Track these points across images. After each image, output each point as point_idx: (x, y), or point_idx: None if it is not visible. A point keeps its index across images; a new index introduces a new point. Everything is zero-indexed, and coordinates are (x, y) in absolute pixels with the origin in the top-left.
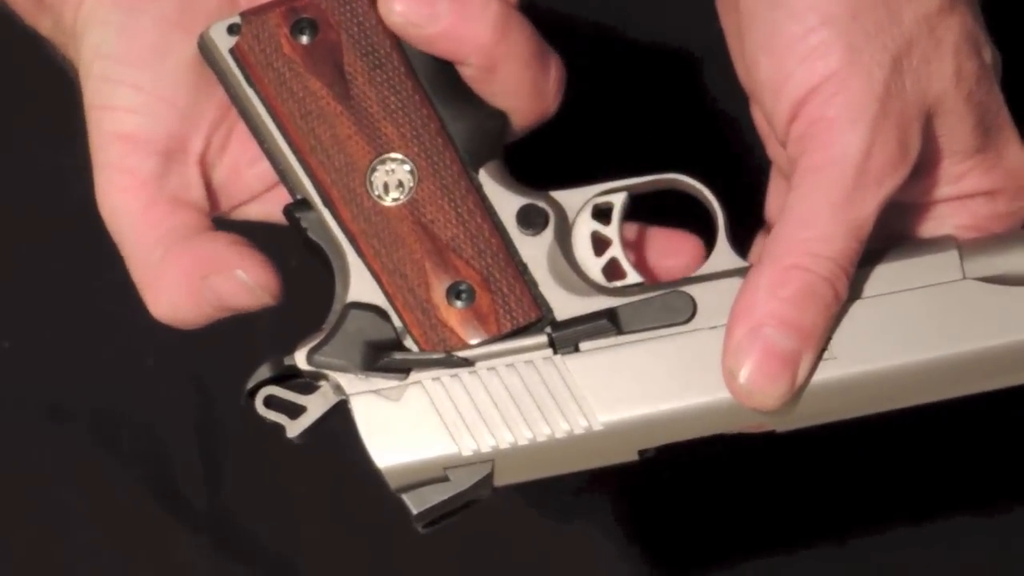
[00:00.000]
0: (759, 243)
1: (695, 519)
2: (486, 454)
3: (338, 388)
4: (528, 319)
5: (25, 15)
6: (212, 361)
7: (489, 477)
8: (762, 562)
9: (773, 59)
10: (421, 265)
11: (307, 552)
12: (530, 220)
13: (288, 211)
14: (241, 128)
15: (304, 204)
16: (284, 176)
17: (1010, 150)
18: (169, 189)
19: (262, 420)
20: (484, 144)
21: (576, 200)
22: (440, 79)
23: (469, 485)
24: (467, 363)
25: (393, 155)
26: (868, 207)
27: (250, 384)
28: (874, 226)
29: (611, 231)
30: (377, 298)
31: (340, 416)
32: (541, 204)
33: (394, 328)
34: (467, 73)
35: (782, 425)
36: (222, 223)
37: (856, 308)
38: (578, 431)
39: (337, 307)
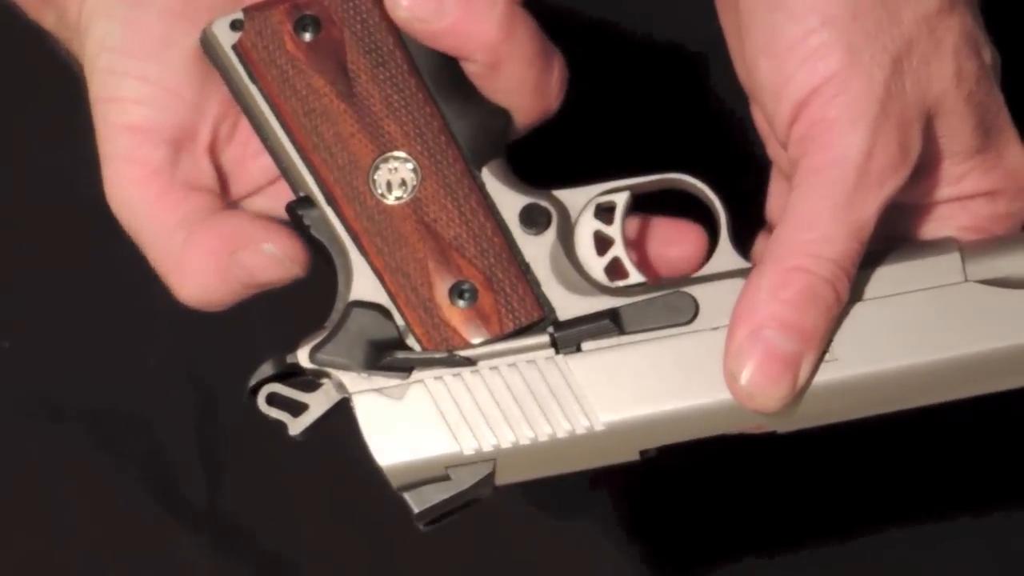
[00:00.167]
0: (760, 243)
1: (696, 519)
2: (488, 453)
3: (340, 386)
4: (530, 319)
5: (29, 10)
6: (212, 361)
7: (490, 476)
8: (763, 562)
9: (773, 61)
10: (424, 264)
11: (307, 552)
12: (533, 219)
13: (291, 208)
14: (245, 120)
15: (307, 201)
16: (287, 173)
17: (1010, 151)
18: (181, 176)
19: (264, 417)
20: (487, 143)
21: (579, 199)
22: (443, 77)
23: (470, 484)
24: (469, 362)
25: (396, 153)
26: (869, 208)
27: (252, 381)
28: (875, 227)
29: (614, 231)
30: (380, 297)
31: (340, 416)
32: (544, 203)
33: (396, 327)
34: (471, 70)
35: (783, 426)
36: None
37: (858, 310)
38: (580, 431)
39: (339, 305)
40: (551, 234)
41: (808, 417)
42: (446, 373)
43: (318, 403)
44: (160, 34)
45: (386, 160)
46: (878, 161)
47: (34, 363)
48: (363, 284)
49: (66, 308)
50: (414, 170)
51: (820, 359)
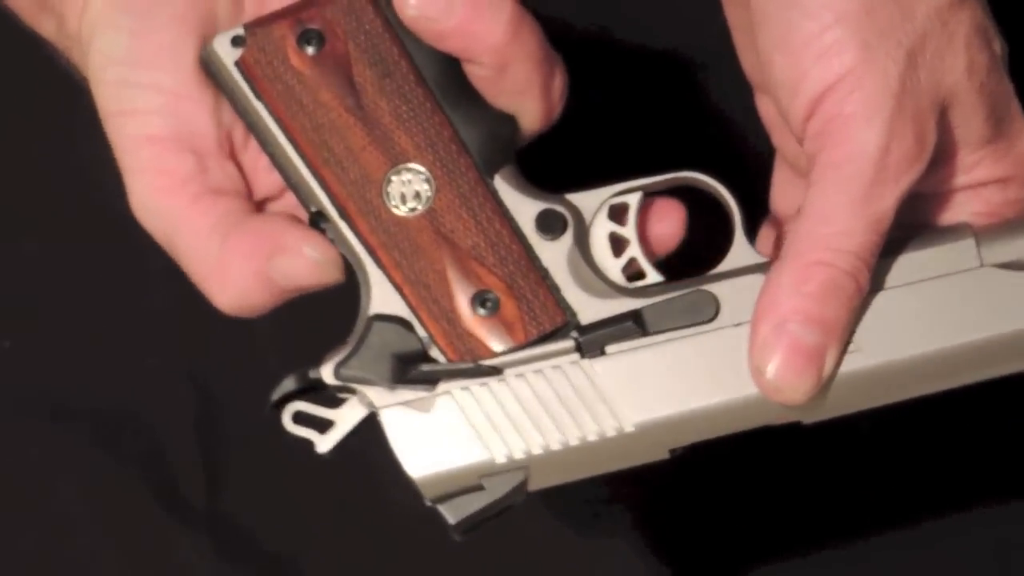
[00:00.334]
0: (765, 233)
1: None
2: (520, 460)
3: (367, 401)
4: (554, 324)
5: (26, 17)
6: (212, 361)
7: (524, 483)
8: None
9: (789, 58)
10: (443, 275)
11: (307, 552)
12: (549, 225)
13: (314, 220)
14: None
15: (319, 216)
16: (296, 189)
17: (1021, 138)
18: (209, 182)
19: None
20: (497, 150)
21: (592, 202)
22: (449, 85)
23: (505, 492)
24: (496, 371)
25: (408, 165)
26: (887, 201)
27: (275, 396)
28: (893, 219)
29: (628, 231)
30: (400, 309)
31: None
32: (558, 208)
33: (420, 339)
34: (477, 73)
35: (809, 417)
36: None
37: (878, 300)
38: (610, 433)
39: (361, 320)
40: (567, 238)
41: (833, 407)
42: (473, 383)
43: (344, 419)
44: (169, 42)
45: (398, 172)
46: (895, 155)
47: (34, 363)
48: (383, 297)
49: (67, 308)
50: (428, 181)
51: (844, 350)
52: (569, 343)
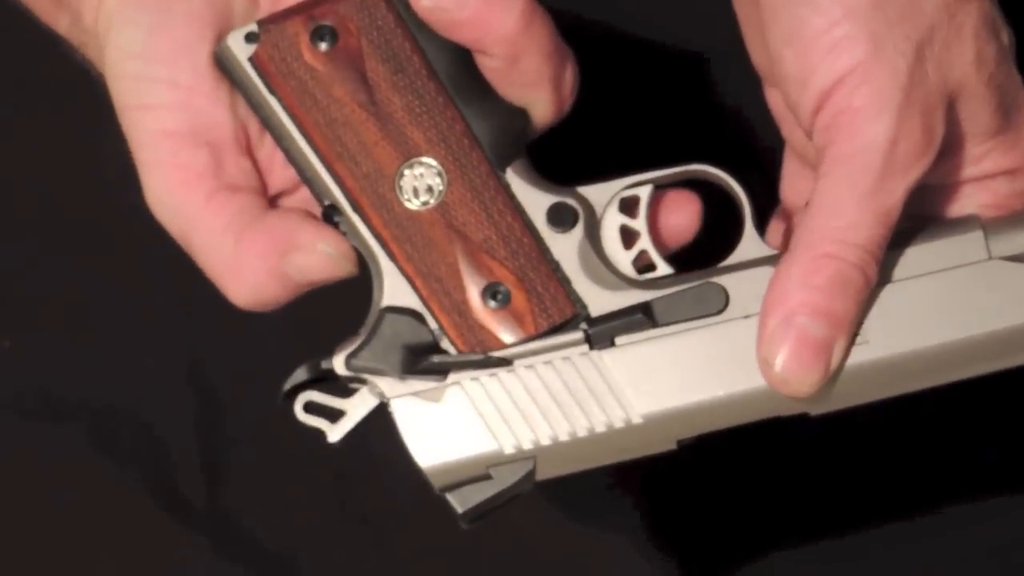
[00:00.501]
0: (775, 225)
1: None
2: (528, 450)
3: (377, 391)
4: (564, 316)
5: (41, 13)
6: (212, 361)
7: (531, 473)
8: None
9: (798, 52)
10: (455, 268)
11: (307, 552)
12: (560, 218)
13: (327, 214)
14: None
15: (333, 210)
16: (310, 183)
17: None
18: (225, 178)
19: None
20: (509, 143)
21: (603, 195)
22: (461, 79)
23: (512, 482)
24: (505, 363)
25: (421, 159)
26: (896, 195)
27: (287, 386)
28: (901, 211)
29: (639, 224)
30: (412, 301)
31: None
32: (569, 201)
33: (431, 331)
34: (489, 65)
35: (817, 409)
36: None
37: (886, 292)
38: (618, 424)
39: (373, 311)
40: (578, 231)
41: (841, 399)
42: (482, 374)
43: (355, 409)
44: (186, 38)
45: (411, 166)
46: (903, 148)
47: (34, 362)
48: (395, 289)
49: (66, 308)
50: (439, 175)
51: (851, 343)
52: (579, 335)
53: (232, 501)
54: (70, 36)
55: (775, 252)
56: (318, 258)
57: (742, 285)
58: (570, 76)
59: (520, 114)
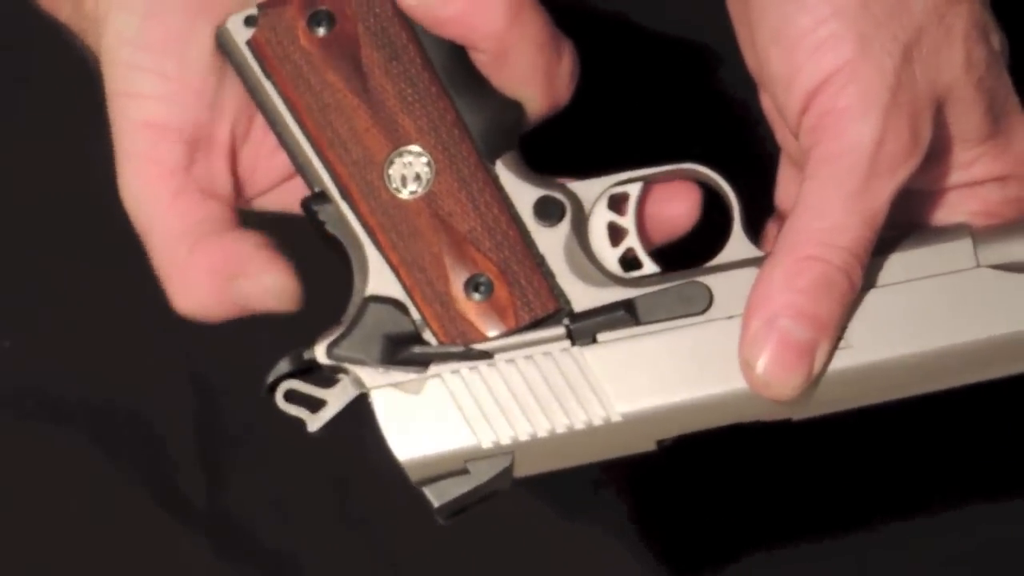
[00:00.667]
0: (770, 230)
1: (701, 516)
2: (506, 446)
3: (358, 382)
4: (546, 311)
5: (43, 2)
6: (212, 361)
7: (509, 469)
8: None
9: (784, 51)
10: (439, 258)
11: (308, 552)
12: (547, 212)
13: (306, 204)
14: (260, 118)
15: (322, 197)
16: (302, 169)
17: (1019, 136)
18: (196, 179)
19: (269, 415)
20: (500, 136)
21: (592, 191)
22: (456, 70)
23: (489, 477)
24: (486, 356)
25: (410, 148)
26: (881, 196)
27: (270, 378)
28: (887, 214)
29: (627, 221)
30: (396, 291)
31: (341, 417)
32: (558, 195)
33: (413, 321)
34: (480, 59)
35: (799, 413)
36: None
37: (871, 297)
38: (597, 422)
39: (356, 301)
40: (565, 226)
41: (823, 404)
42: (463, 367)
43: (336, 399)
44: (180, 29)
45: (400, 154)
46: (889, 149)
47: (34, 363)
48: (379, 279)
49: (67, 308)
50: (428, 164)
51: (834, 347)
52: (560, 330)
53: (232, 501)
54: (71, 23)
55: (762, 254)
56: (261, 289)
57: (727, 286)
58: (566, 68)
59: (514, 107)
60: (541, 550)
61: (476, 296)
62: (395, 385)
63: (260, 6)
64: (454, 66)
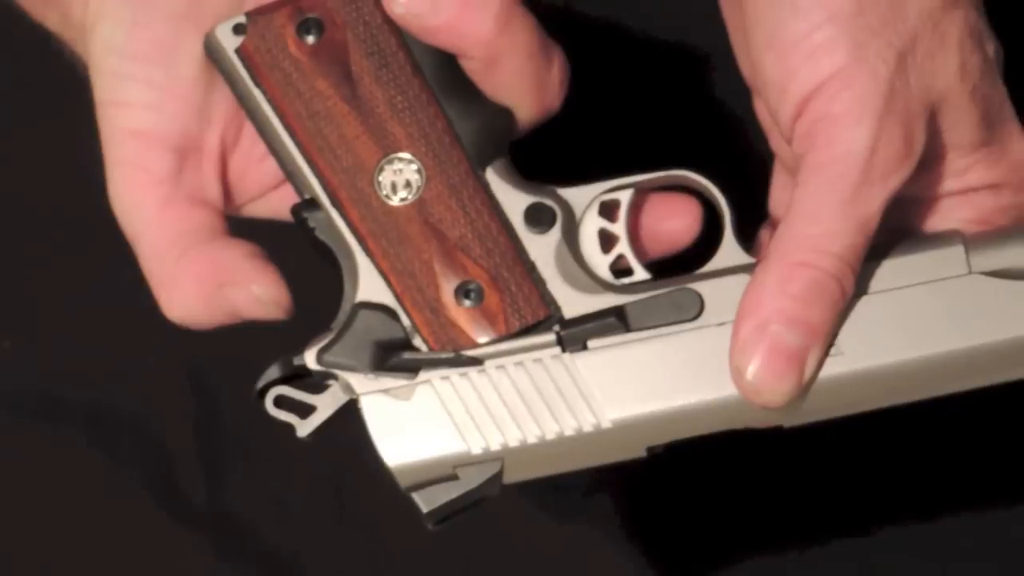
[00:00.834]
0: (764, 237)
1: (696, 520)
2: (495, 452)
3: (348, 388)
4: (536, 318)
5: (31, 10)
6: (212, 361)
7: (498, 475)
8: (767, 563)
9: (778, 57)
10: (430, 265)
11: (308, 552)
12: (538, 218)
13: (296, 211)
14: (250, 125)
15: (312, 204)
16: (292, 177)
17: (1014, 143)
18: (185, 187)
19: (271, 419)
20: (490, 142)
21: (583, 197)
22: (446, 77)
23: (479, 483)
24: (476, 362)
25: (401, 155)
26: (874, 203)
27: (260, 384)
28: (879, 221)
29: (618, 228)
30: (386, 298)
31: (341, 418)
32: (548, 202)
33: (403, 328)
34: (470, 67)
35: (790, 420)
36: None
37: (862, 304)
38: (587, 428)
39: (346, 307)
40: (556, 233)
41: (814, 411)
42: (453, 373)
43: (325, 404)
44: (167, 38)
45: (391, 161)
46: (882, 156)
47: (34, 363)
48: (369, 285)
49: (66, 308)
50: (419, 171)
51: (826, 353)
52: (551, 336)
53: (232, 501)
54: (60, 32)
55: (753, 260)
56: (249, 298)
57: (718, 292)
58: (556, 76)
59: (504, 114)
60: (540, 553)
61: (466, 303)
62: (385, 391)
63: (249, 14)
64: (444, 73)
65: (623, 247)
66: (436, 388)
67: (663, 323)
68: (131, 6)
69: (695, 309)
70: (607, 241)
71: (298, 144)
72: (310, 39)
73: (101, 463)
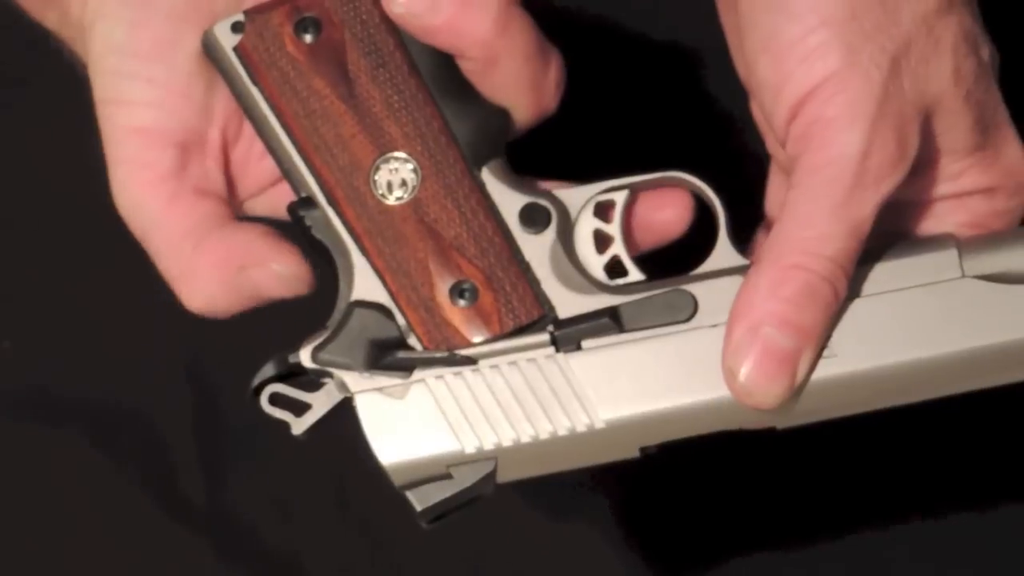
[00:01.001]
0: (759, 239)
1: (692, 520)
2: (489, 451)
3: (342, 386)
4: (531, 318)
5: (31, 9)
6: (212, 361)
7: (492, 474)
8: (762, 563)
9: (773, 60)
10: (424, 264)
11: (308, 552)
12: (533, 218)
13: (292, 209)
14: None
15: (308, 202)
16: (288, 175)
17: (1008, 148)
18: (190, 181)
19: (267, 417)
20: (486, 143)
21: (578, 198)
22: (443, 77)
23: (472, 482)
24: (470, 361)
25: (396, 154)
26: (867, 207)
27: (255, 382)
28: (873, 224)
29: (613, 228)
30: (381, 296)
31: (341, 417)
32: (543, 202)
33: (398, 327)
34: (468, 67)
35: (782, 422)
36: None
37: (856, 306)
38: (580, 428)
39: (341, 305)
40: (551, 233)
41: (807, 413)
42: (447, 372)
43: (320, 403)
44: (167, 36)
45: (387, 161)
46: (876, 159)
47: (34, 363)
48: (364, 284)
49: (66, 308)
50: (414, 170)
51: (818, 356)
52: (545, 336)
53: (232, 501)
54: (59, 31)
55: (747, 262)
56: (270, 276)
57: (712, 294)
58: (553, 77)
59: (500, 114)
60: (539, 553)
61: (461, 302)
62: (379, 390)
63: (247, 12)
64: (441, 73)
65: (618, 248)
66: (430, 387)
67: (657, 324)
68: (130, 5)
69: (689, 310)
70: (602, 242)
71: (295, 142)
72: (307, 38)
73: (101, 463)
